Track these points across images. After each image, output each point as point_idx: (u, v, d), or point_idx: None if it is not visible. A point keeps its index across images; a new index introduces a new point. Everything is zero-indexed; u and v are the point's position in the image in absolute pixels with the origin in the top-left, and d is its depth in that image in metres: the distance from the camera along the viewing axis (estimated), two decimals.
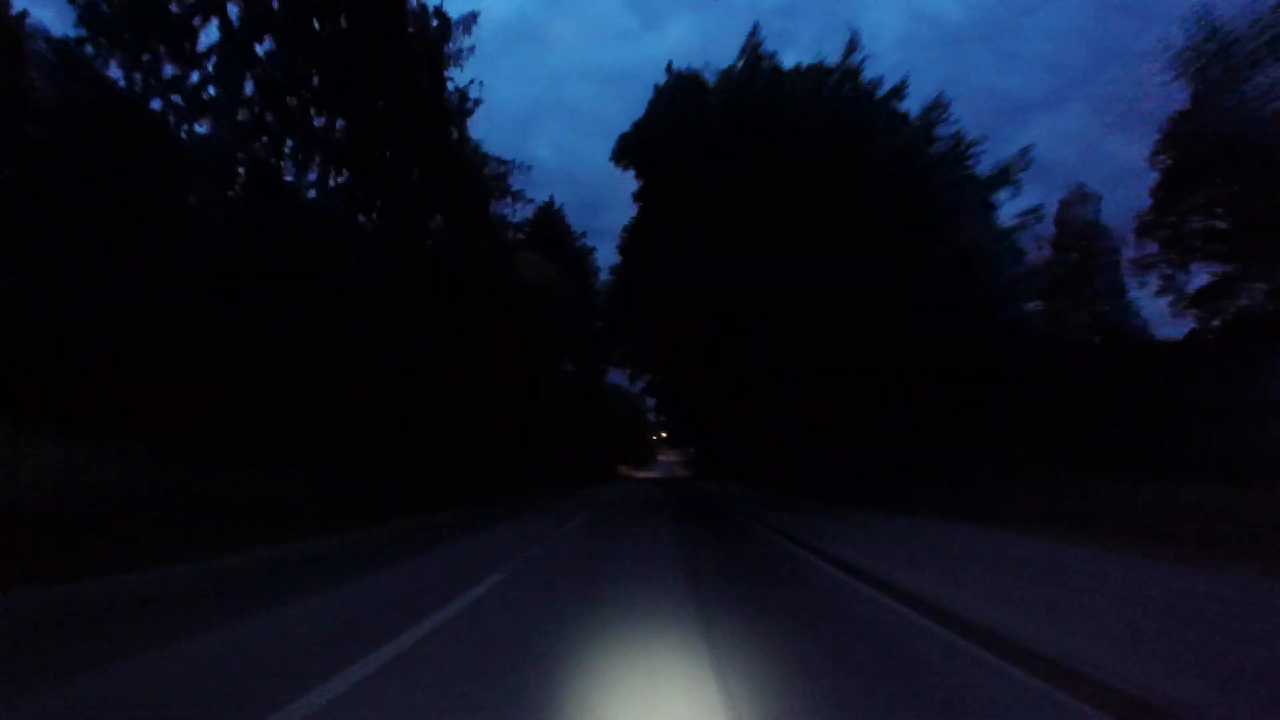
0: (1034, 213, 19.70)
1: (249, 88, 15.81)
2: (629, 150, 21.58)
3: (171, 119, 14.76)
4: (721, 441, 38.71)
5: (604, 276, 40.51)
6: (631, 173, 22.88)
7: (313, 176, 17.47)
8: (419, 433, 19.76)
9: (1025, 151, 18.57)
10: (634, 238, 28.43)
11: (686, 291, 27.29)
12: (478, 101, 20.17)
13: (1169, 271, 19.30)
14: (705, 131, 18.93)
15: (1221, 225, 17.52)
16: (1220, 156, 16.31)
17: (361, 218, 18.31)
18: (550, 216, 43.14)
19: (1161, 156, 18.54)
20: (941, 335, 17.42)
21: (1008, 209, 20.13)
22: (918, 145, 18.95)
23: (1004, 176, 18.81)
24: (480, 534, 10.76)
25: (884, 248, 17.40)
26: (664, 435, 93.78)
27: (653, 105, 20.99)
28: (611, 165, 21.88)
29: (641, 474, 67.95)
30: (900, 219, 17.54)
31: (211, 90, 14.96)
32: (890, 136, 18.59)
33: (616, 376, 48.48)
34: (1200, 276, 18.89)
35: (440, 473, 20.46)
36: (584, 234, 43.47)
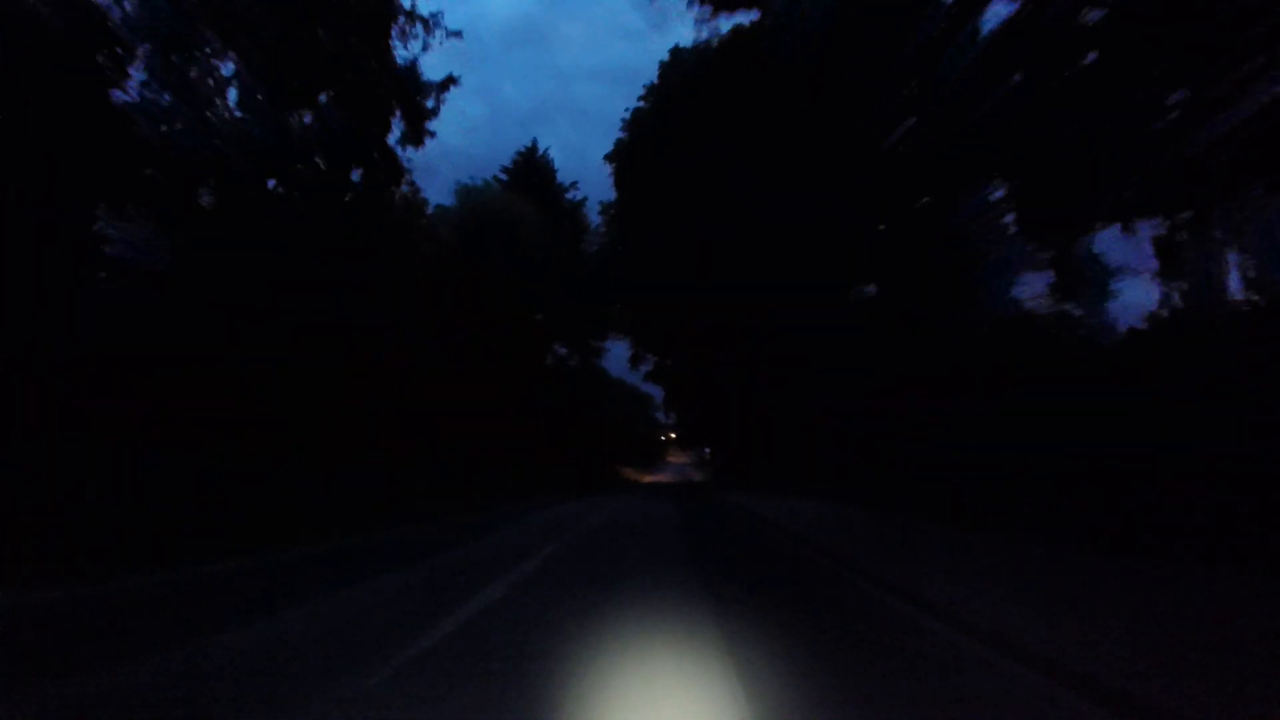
0: None
1: None
2: None
3: None
4: (749, 439, 30.50)
5: (598, 231, 32.42)
6: None
7: None
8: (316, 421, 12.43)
9: None
10: (641, 142, 20.47)
11: (713, 220, 19.47)
12: None
13: None
14: None
15: None
16: None
17: None
18: (533, 163, 35.19)
19: None
20: None
21: None
22: None
23: None
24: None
25: None
26: (673, 436, 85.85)
27: None
28: None
29: (649, 478, 59.83)
30: None
31: None
32: None
33: (617, 364, 40.44)
34: None
35: (354, 481, 13.08)
36: (574, 184, 35.29)
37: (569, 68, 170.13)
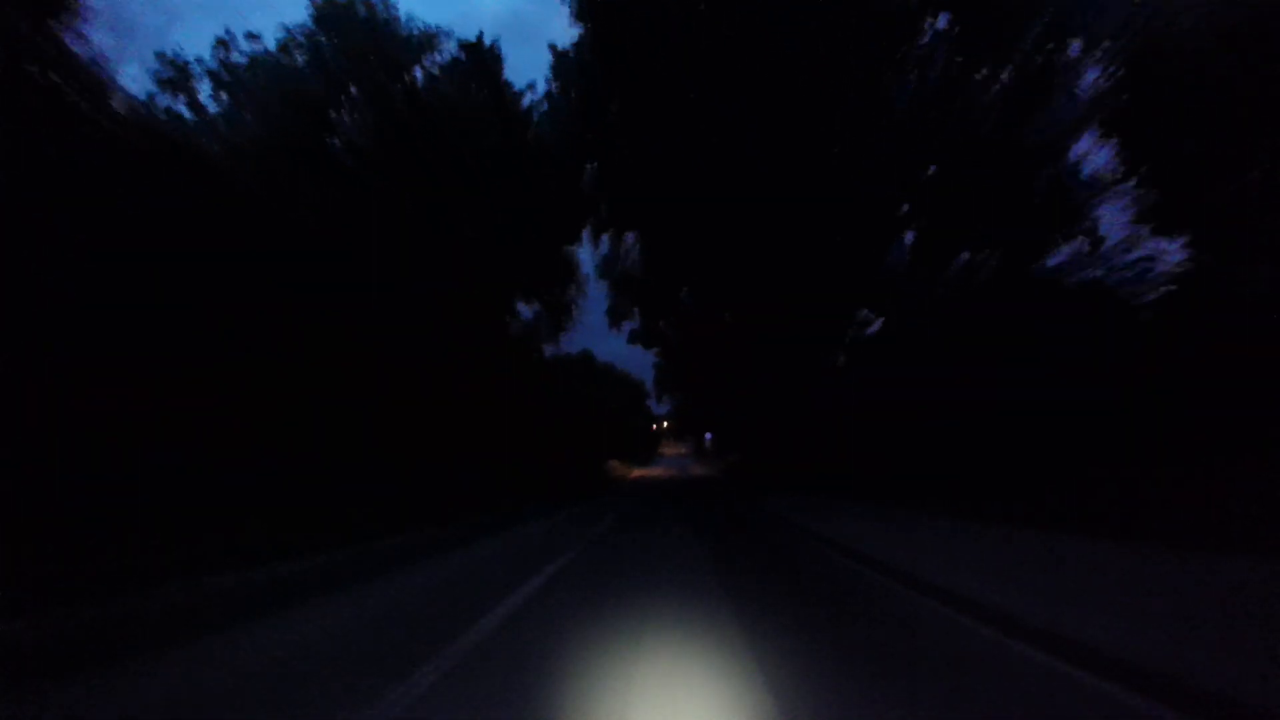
0: None
1: None
2: None
3: None
4: (784, 422, 21.99)
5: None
6: None
7: None
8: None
9: None
10: None
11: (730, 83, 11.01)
12: None
13: None
14: None
15: None
16: None
17: None
18: (480, 56, 26.19)
19: None
20: None
21: None
22: None
23: None
24: None
25: None
26: (665, 424, 77.53)
27: None
28: None
29: (639, 472, 51.48)
30: None
31: None
32: None
33: (602, 333, 31.82)
34: None
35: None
36: (531, 85, 26.31)
37: None
